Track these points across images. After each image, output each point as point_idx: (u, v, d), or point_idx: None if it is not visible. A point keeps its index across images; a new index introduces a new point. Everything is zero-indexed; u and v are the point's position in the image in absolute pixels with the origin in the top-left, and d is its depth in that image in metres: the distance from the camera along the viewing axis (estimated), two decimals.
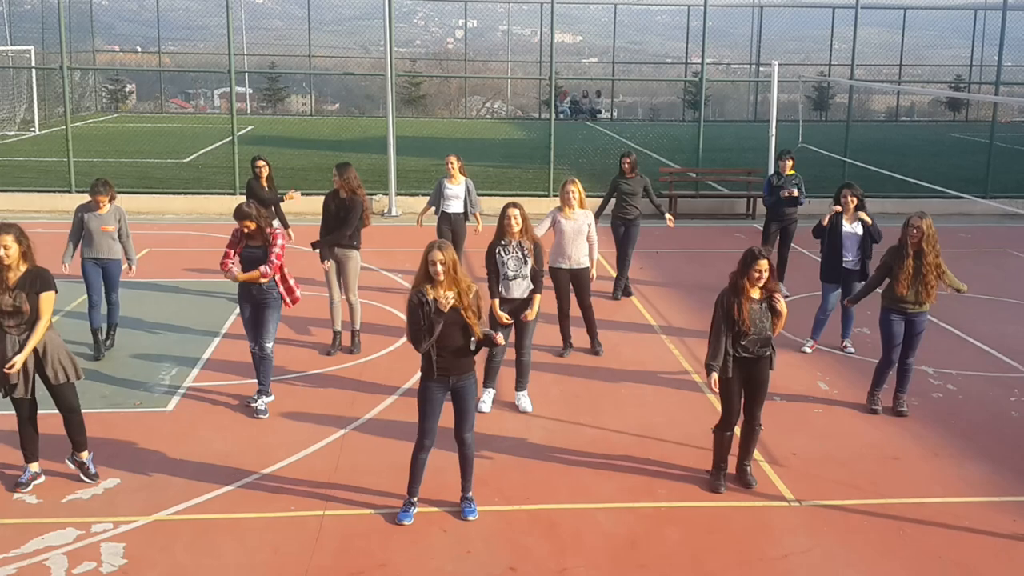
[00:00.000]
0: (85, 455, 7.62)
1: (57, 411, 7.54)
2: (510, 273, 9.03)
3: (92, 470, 7.60)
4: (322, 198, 10.88)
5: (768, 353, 7.63)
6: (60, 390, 7.38)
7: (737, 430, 7.83)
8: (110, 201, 10.53)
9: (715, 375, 7.52)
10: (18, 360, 7.13)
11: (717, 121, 41.26)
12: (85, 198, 10.62)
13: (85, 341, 10.72)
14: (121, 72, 43.55)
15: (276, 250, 8.80)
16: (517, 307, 9.14)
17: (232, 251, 8.94)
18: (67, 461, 7.64)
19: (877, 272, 9.44)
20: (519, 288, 9.09)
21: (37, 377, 7.31)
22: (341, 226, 10.55)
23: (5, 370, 7.12)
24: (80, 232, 10.51)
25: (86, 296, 10.66)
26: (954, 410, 9.51)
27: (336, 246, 10.61)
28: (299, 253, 11.57)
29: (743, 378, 7.62)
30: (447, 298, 6.87)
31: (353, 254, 10.73)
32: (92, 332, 10.60)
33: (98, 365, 10.23)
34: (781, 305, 7.53)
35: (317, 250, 10.70)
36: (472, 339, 6.97)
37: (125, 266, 10.80)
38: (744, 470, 7.83)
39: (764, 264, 7.41)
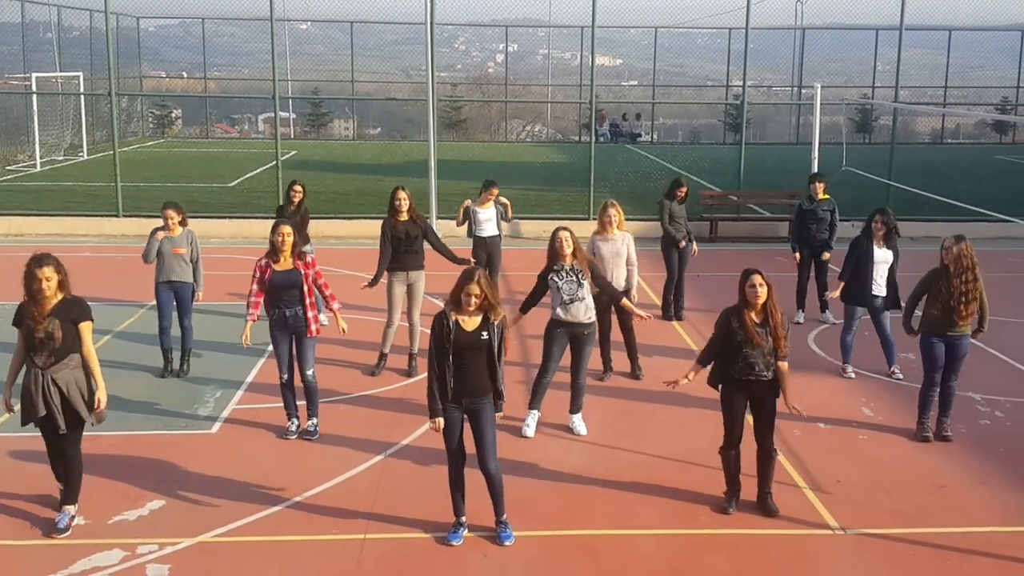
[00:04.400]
0: (71, 509, 7.34)
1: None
2: (566, 298, 9.03)
3: (63, 525, 7.22)
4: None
5: (771, 376, 7.54)
6: (72, 430, 7.25)
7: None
8: (181, 225, 10.66)
9: (690, 376, 7.79)
10: (102, 397, 7.24)
11: (758, 144, 41.03)
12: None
13: (134, 362, 10.87)
14: (167, 97, 44.24)
15: (321, 281, 9.04)
16: (577, 330, 9.12)
17: (258, 288, 8.95)
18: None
19: (913, 292, 9.31)
20: (579, 311, 9.05)
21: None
22: (415, 247, 10.72)
23: (96, 410, 7.24)
24: (154, 250, 10.61)
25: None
26: (1002, 438, 9.36)
27: (410, 269, 10.75)
28: (352, 278, 11.62)
29: (748, 401, 7.63)
30: (472, 322, 7.01)
31: (424, 275, 10.88)
32: (163, 352, 10.79)
33: (144, 388, 10.36)
34: (776, 323, 7.48)
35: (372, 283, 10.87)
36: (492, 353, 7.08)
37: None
38: (765, 498, 7.75)
39: (758, 279, 7.44)
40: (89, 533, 7.21)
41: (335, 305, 9.17)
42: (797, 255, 13.35)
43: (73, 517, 7.35)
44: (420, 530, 7.31)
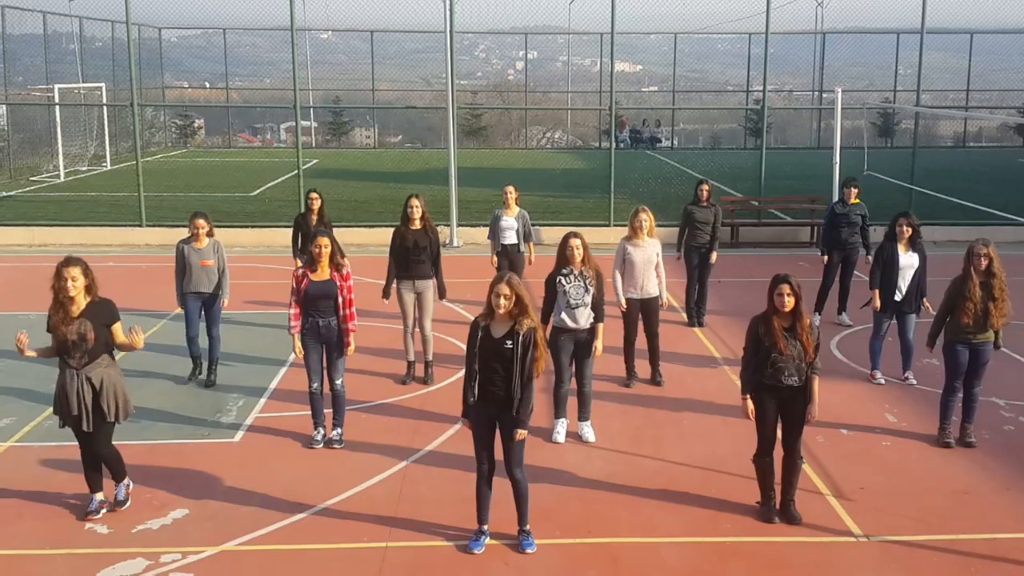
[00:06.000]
0: (125, 481, 7.80)
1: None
2: (572, 302, 9.06)
3: (122, 496, 7.74)
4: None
5: (801, 383, 7.51)
6: (103, 426, 7.48)
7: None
8: (208, 236, 10.72)
9: (748, 401, 7.57)
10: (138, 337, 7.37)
11: (779, 149, 40.94)
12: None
13: (157, 372, 10.95)
14: (190, 107, 44.52)
15: (352, 295, 9.03)
16: (581, 336, 9.15)
17: (296, 300, 8.99)
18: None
19: (942, 307, 9.25)
20: (583, 316, 9.10)
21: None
22: (422, 257, 10.71)
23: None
24: (184, 267, 10.68)
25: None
26: None
27: (417, 278, 10.74)
28: (373, 286, 11.71)
29: (779, 408, 7.59)
30: (502, 329, 6.96)
31: (432, 285, 10.87)
32: (192, 358, 10.89)
33: (167, 397, 10.42)
34: (804, 328, 7.46)
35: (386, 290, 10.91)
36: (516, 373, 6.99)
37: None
38: (788, 505, 7.71)
39: (786, 288, 7.40)
40: (112, 542, 7.26)
41: (352, 324, 9.05)
42: (825, 257, 13.31)
43: (129, 486, 7.77)
44: (442, 538, 7.32)
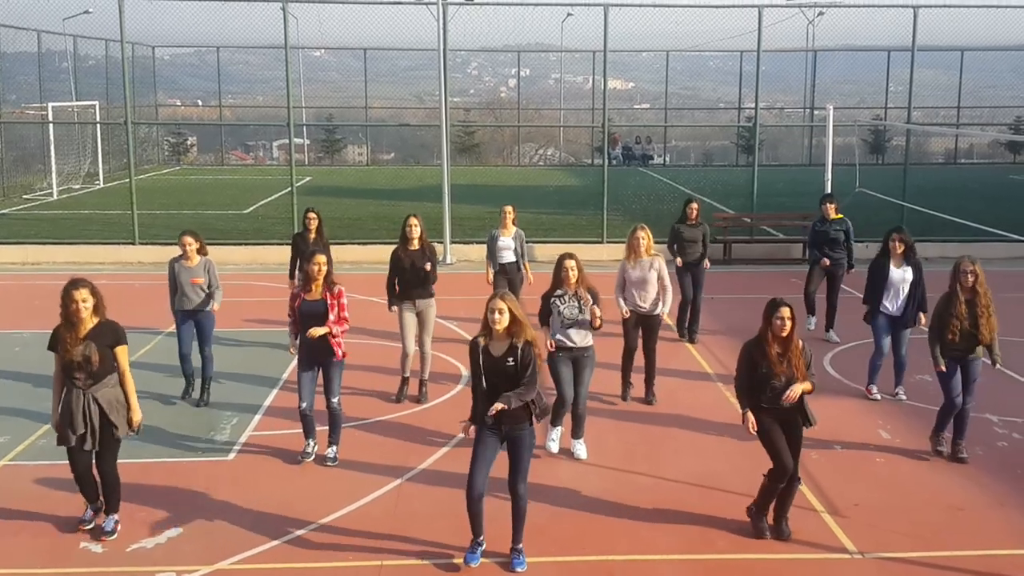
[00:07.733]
0: (115, 515, 7.69)
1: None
2: (567, 321, 9.09)
3: (110, 528, 7.61)
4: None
5: (797, 406, 7.53)
6: (110, 445, 7.54)
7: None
8: (199, 253, 10.72)
9: (749, 415, 7.53)
10: (134, 417, 7.55)
11: (771, 165, 41.05)
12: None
13: (151, 390, 10.94)
14: (183, 125, 44.54)
15: (345, 313, 9.05)
16: (577, 355, 9.17)
17: (289, 313, 9.06)
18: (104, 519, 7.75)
19: (932, 325, 9.27)
20: (577, 335, 9.12)
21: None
22: (420, 277, 10.72)
23: (133, 431, 7.59)
24: (175, 285, 10.67)
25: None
26: (1020, 459, 9.30)
27: (418, 298, 10.77)
28: (367, 303, 11.72)
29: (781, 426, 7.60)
30: (502, 347, 6.96)
31: (434, 303, 10.88)
32: (185, 376, 10.89)
33: (161, 416, 10.37)
34: (796, 351, 7.48)
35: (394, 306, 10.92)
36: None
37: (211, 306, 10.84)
38: (780, 522, 7.70)
39: (786, 312, 7.42)
40: (107, 561, 7.24)
41: (337, 329, 8.98)
42: (826, 260, 13.30)
43: (118, 522, 7.66)
44: (437, 555, 7.30)
